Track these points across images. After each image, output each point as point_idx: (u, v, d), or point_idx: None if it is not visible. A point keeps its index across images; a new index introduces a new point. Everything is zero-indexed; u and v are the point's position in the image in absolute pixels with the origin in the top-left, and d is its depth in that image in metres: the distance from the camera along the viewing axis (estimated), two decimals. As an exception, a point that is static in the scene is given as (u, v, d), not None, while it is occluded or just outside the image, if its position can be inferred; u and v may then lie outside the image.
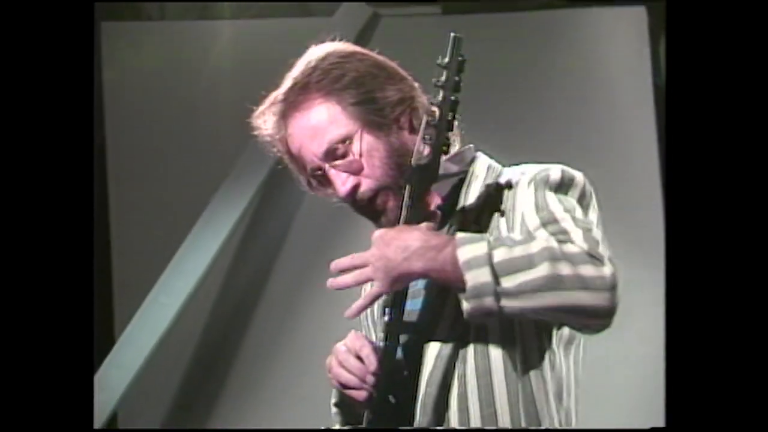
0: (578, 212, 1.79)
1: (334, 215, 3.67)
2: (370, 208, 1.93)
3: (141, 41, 4.04)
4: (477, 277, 1.69)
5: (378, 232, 1.81)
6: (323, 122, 1.90)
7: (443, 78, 1.78)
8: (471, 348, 1.82)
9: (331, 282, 1.85)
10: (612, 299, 1.66)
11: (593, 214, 1.82)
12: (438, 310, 1.85)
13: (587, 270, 1.67)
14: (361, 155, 1.90)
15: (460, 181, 1.92)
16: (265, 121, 1.98)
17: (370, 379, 1.83)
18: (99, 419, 3.68)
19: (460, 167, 1.93)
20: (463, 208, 1.90)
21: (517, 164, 1.93)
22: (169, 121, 3.97)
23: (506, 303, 1.70)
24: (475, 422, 1.81)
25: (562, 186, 1.83)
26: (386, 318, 1.84)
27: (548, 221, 1.76)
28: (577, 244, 1.70)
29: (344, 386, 1.87)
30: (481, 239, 1.73)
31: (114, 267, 4.01)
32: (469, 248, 1.72)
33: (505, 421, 1.80)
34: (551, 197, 1.81)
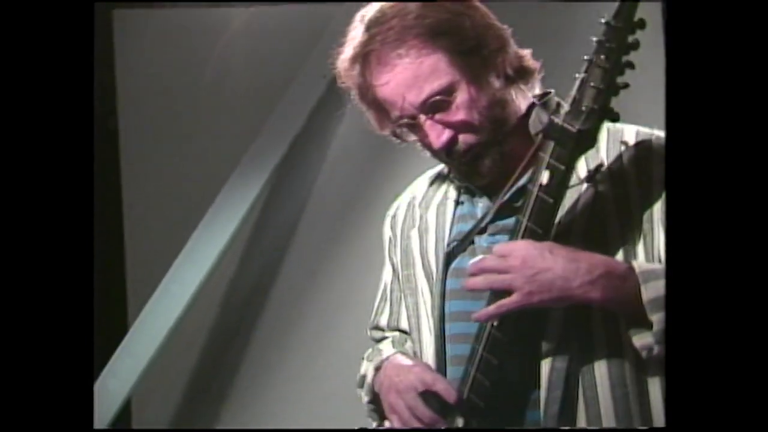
0: None
1: (346, 202, 3.69)
2: (463, 163, 1.82)
3: (154, 28, 4.02)
4: (662, 323, 1.65)
5: (538, 244, 1.68)
6: (424, 71, 1.77)
7: (614, 37, 1.64)
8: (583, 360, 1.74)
9: (468, 285, 1.74)
10: None
11: None
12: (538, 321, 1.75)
13: None
14: (463, 108, 1.78)
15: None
16: (348, 64, 1.84)
17: (442, 426, 1.73)
18: (112, 406, 3.69)
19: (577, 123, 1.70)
20: (590, 172, 1.76)
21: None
22: (181, 109, 3.96)
23: None
24: (605, 401, 1.74)
25: None
26: (493, 333, 1.72)
27: None
28: None
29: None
30: (660, 275, 1.65)
31: (127, 256, 4.01)
32: (653, 286, 1.66)
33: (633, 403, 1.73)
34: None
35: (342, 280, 3.65)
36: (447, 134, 1.79)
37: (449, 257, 1.87)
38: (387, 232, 2.05)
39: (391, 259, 2.03)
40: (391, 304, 2.04)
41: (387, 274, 2.06)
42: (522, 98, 1.84)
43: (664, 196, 1.74)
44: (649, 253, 1.76)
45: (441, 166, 1.99)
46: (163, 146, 4.00)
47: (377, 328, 2.07)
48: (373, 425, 1.94)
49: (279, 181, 3.86)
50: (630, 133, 1.83)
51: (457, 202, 1.92)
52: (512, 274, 1.68)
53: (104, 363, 3.73)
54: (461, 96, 1.78)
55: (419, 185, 2.03)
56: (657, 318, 1.66)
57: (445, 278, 1.86)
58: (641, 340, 1.68)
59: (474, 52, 1.78)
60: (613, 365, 1.74)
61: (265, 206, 3.91)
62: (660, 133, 1.81)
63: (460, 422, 1.78)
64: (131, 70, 4.02)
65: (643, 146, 1.79)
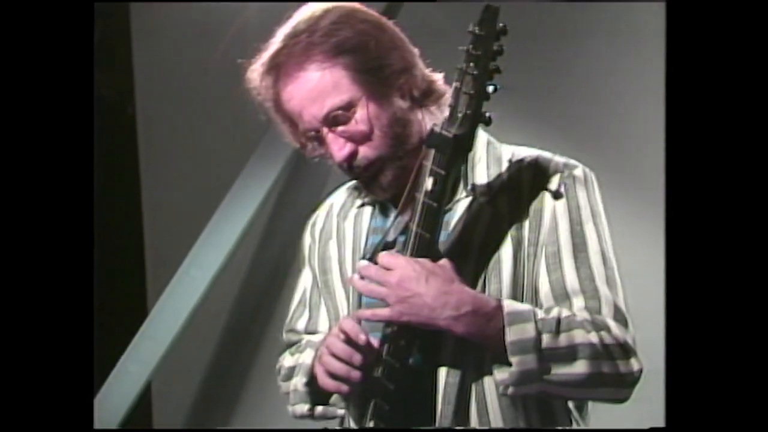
0: (606, 232, 1.84)
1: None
2: (365, 176, 1.89)
3: (170, 11, 4.02)
4: (524, 363, 1.73)
5: (418, 267, 1.75)
6: (326, 86, 1.84)
7: (479, 45, 1.71)
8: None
9: (353, 281, 1.83)
10: (633, 391, 1.78)
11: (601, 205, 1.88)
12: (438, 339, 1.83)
13: (622, 367, 1.76)
14: (362, 123, 1.84)
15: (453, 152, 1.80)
16: (259, 77, 1.91)
17: (357, 358, 1.79)
18: (133, 390, 3.72)
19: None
20: (474, 186, 1.87)
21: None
22: (199, 95, 3.97)
23: (544, 388, 1.76)
24: (493, 410, 1.81)
25: (586, 186, 1.86)
26: (395, 338, 1.78)
27: (586, 286, 1.80)
28: (613, 332, 1.77)
29: (332, 376, 1.82)
30: (528, 317, 1.75)
31: (146, 240, 4.04)
32: (517, 329, 1.74)
33: (519, 411, 1.82)
34: (585, 213, 1.84)
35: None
36: (348, 148, 1.86)
37: None
38: (307, 240, 2.11)
39: (310, 265, 2.09)
40: (310, 309, 2.09)
41: (306, 280, 2.11)
42: (431, 119, 1.89)
43: (548, 217, 1.84)
44: (530, 274, 1.84)
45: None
46: (181, 133, 4.02)
47: (293, 331, 2.13)
48: (304, 409, 1.98)
49: (297, 166, 3.87)
50: (507, 152, 1.92)
51: (372, 214, 1.99)
52: (387, 289, 1.76)
53: (124, 348, 3.76)
54: (361, 112, 1.85)
55: (338, 194, 2.10)
56: (516, 360, 1.73)
57: None
58: (500, 374, 1.76)
59: (376, 72, 1.85)
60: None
61: (283, 190, 3.93)
62: (536, 153, 1.90)
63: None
64: (149, 59, 4.03)
65: (517, 166, 1.88)
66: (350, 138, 1.86)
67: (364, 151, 1.87)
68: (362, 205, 2.01)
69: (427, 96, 1.89)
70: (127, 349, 3.76)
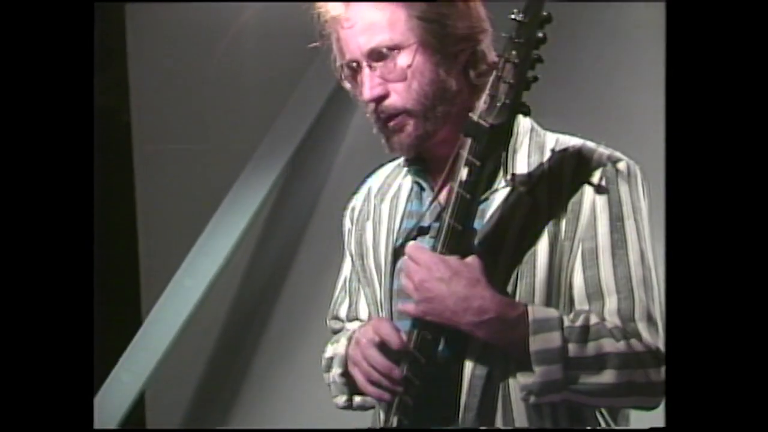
0: (646, 231, 1.80)
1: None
2: (386, 123, 1.84)
3: (166, 21, 4.02)
4: (548, 374, 1.69)
5: (443, 268, 1.72)
6: (382, 21, 1.81)
7: (522, 33, 1.67)
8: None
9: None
10: (663, 399, 1.72)
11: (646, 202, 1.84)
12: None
13: (654, 374, 1.72)
14: (403, 68, 1.81)
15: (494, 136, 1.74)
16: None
17: (396, 373, 1.77)
18: (126, 399, 3.71)
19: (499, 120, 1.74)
20: (513, 175, 1.82)
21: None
22: (194, 103, 3.97)
23: (569, 396, 1.72)
24: (518, 407, 1.77)
25: (629, 181, 1.81)
26: (422, 333, 1.76)
27: (621, 286, 1.76)
28: (644, 340, 1.74)
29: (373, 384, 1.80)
30: (555, 326, 1.71)
31: (140, 250, 4.03)
32: (542, 338, 1.70)
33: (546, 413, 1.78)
34: (626, 209, 1.79)
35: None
36: (378, 89, 1.82)
37: (396, 254, 1.91)
38: (347, 224, 2.08)
39: (349, 250, 2.06)
40: (350, 295, 2.06)
41: (347, 266, 2.08)
42: (471, 95, 1.84)
43: (587, 210, 1.79)
44: (564, 269, 1.79)
45: (399, 159, 2.02)
46: (175, 141, 4.01)
47: (336, 318, 2.10)
48: (342, 401, 1.96)
49: (291, 176, 3.87)
50: (551, 140, 1.87)
51: (409, 197, 1.95)
52: (413, 286, 1.75)
53: (118, 357, 3.74)
54: (406, 57, 1.81)
55: (376, 177, 2.07)
56: (540, 370, 1.69)
57: (393, 275, 1.90)
58: (524, 379, 1.72)
59: (437, 26, 1.81)
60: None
61: (277, 201, 3.92)
62: (580, 142, 1.86)
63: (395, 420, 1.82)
64: (144, 65, 4.03)
65: (560, 155, 1.83)
66: (385, 79, 1.82)
67: (393, 99, 1.82)
68: (403, 186, 1.96)
69: (479, 77, 1.84)
70: (120, 359, 3.75)
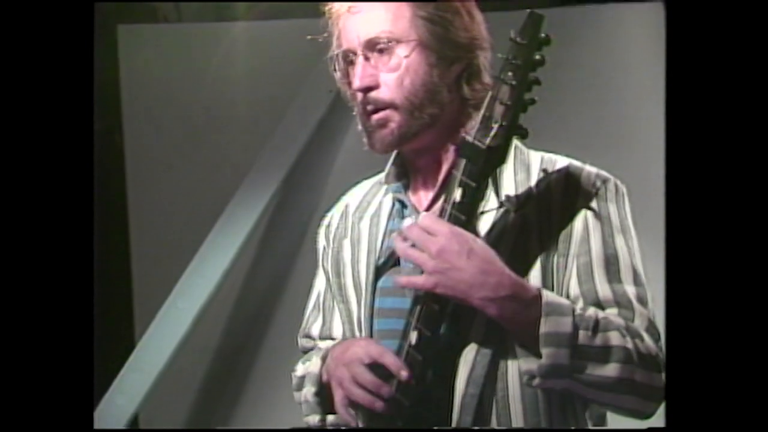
0: (636, 248, 1.82)
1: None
2: (370, 116, 1.85)
3: (158, 43, 4.02)
4: (556, 357, 1.69)
5: (462, 240, 1.70)
6: (387, 14, 1.83)
7: (520, 54, 1.67)
8: (511, 348, 1.77)
9: (395, 240, 1.77)
10: (658, 409, 1.74)
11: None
12: (471, 312, 1.78)
13: (655, 379, 1.73)
14: (397, 62, 1.82)
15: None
16: None
17: (385, 390, 1.75)
18: (120, 422, 3.68)
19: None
20: (501, 194, 1.83)
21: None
22: (187, 123, 3.96)
23: (571, 385, 1.72)
24: (517, 422, 1.77)
25: (617, 200, 1.84)
26: (419, 327, 1.75)
27: (619, 298, 1.78)
28: (647, 343, 1.75)
29: (353, 405, 1.79)
30: (567, 311, 1.71)
31: (133, 271, 4.01)
32: (554, 321, 1.70)
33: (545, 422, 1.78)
34: (615, 227, 1.81)
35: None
36: (369, 79, 1.83)
37: (378, 272, 1.90)
38: (321, 241, 2.07)
39: (324, 267, 2.04)
40: (323, 313, 2.05)
41: (320, 283, 2.07)
42: (461, 110, 1.86)
43: (577, 229, 1.81)
44: (559, 286, 1.80)
45: (378, 176, 2.01)
46: (168, 161, 4.00)
47: (308, 336, 2.09)
48: (315, 420, 1.93)
49: (284, 197, 3.86)
50: (536, 158, 1.88)
51: (390, 215, 1.94)
52: (426, 256, 1.71)
53: (111, 380, 3.72)
54: (403, 52, 1.82)
55: (353, 194, 2.06)
56: (548, 352, 1.69)
57: (374, 294, 1.89)
58: (526, 364, 1.72)
59: (439, 29, 1.82)
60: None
61: (271, 222, 3.91)
62: (566, 161, 1.87)
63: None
64: (136, 85, 4.02)
65: (547, 175, 1.84)
66: (379, 70, 1.83)
67: (382, 92, 1.83)
68: (383, 204, 1.96)
69: (472, 92, 1.85)
70: (114, 382, 3.72)
